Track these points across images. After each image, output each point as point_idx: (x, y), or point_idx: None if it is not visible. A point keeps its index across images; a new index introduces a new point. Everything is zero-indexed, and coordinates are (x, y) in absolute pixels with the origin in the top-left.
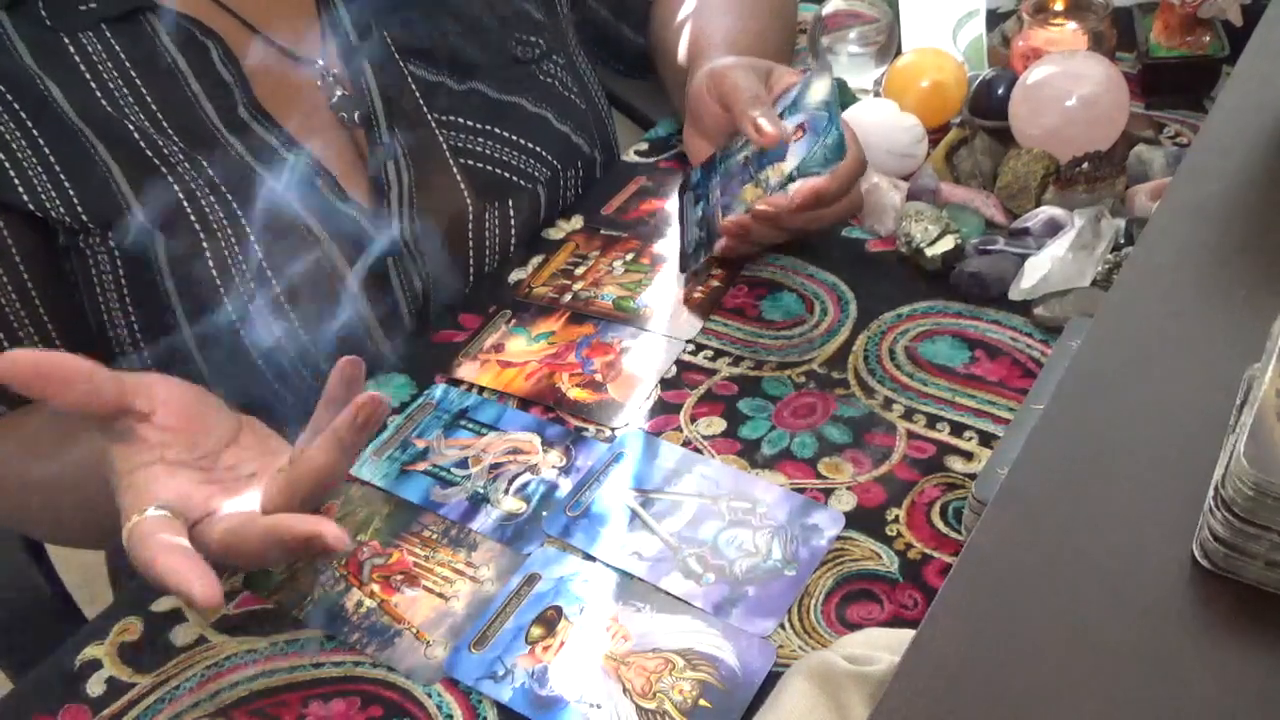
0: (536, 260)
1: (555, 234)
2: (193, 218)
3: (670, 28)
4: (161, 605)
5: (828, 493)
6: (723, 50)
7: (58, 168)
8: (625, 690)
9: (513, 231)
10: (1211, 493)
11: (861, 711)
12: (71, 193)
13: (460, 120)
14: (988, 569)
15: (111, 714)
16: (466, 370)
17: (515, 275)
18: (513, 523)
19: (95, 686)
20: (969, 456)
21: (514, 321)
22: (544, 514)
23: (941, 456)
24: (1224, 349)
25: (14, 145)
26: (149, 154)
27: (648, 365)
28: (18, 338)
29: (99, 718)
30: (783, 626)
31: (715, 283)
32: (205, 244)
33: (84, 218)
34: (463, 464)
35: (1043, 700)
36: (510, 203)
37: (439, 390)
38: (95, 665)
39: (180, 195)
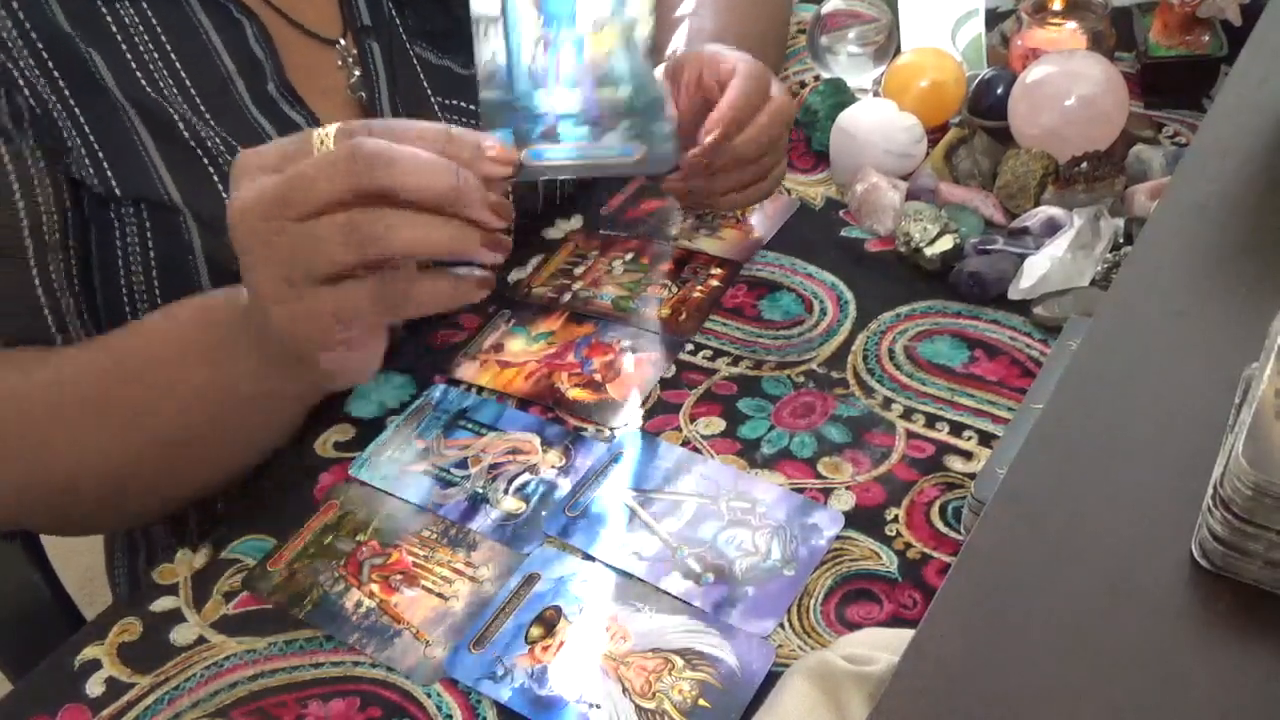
0: (536, 260)
1: (555, 234)
2: (225, 196)
3: (662, 36)
4: (161, 605)
5: (827, 492)
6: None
7: (91, 134)
8: (625, 690)
9: (514, 219)
10: (1210, 492)
11: (861, 711)
12: (104, 159)
13: (464, 104)
14: (987, 569)
15: (111, 714)
16: (466, 370)
17: (515, 275)
18: (512, 523)
19: (95, 687)
20: (968, 456)
21: (513, 321)
22: (543, 514)
23: (941, 456)
24: (1223, 349)
25: (51, 107)
26: (182, 129)
27: (648, 364)
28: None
29: (99, 718)
30: (782, 626)
31: (715, 283)
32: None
33: (116, 189)
34: (462, 464)
35: (1042, 700)
36: (509, 189)
37: (438, 390)
38: (95, 665)
39: (213, 173)
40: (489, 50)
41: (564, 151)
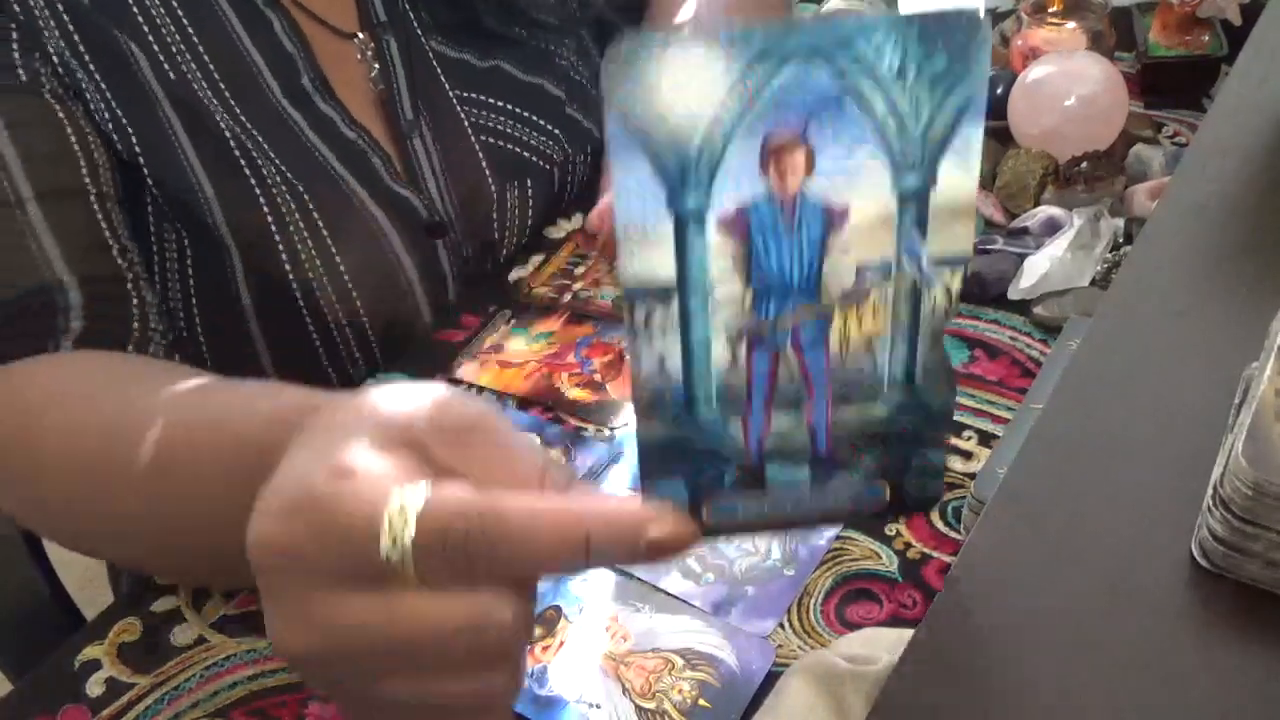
0: (537, 260)
1: (556, 233)
2: (259, 195)
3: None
4: (161, 605)
5: None
6: None
7: (124, 117)
8: (625, 690)
9: (530, 214)
10: (1210, 492)
11: (861, 711)
12: (136, 145)
13: (482, 98)
14: (987, 568)
15: (111, 714)
16: (466, 370)
17: (515, 275)
18: None
19: (95, 687)
20: (968, 456)
21: (514, 321)
22: None
23: None
24: (1223, 348)
25: (85, 88)
26: (219, 122)
27: None
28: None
29: (99, 718)
30: (782, 626)
31: None
32: (272, 224)
33: (148, 178)
34: None
35: (1042, 699)
36: (529, 183)
37: None
38: (95, 665)
39: (244, 168)
40: (652, 354)
41: (769, 504)
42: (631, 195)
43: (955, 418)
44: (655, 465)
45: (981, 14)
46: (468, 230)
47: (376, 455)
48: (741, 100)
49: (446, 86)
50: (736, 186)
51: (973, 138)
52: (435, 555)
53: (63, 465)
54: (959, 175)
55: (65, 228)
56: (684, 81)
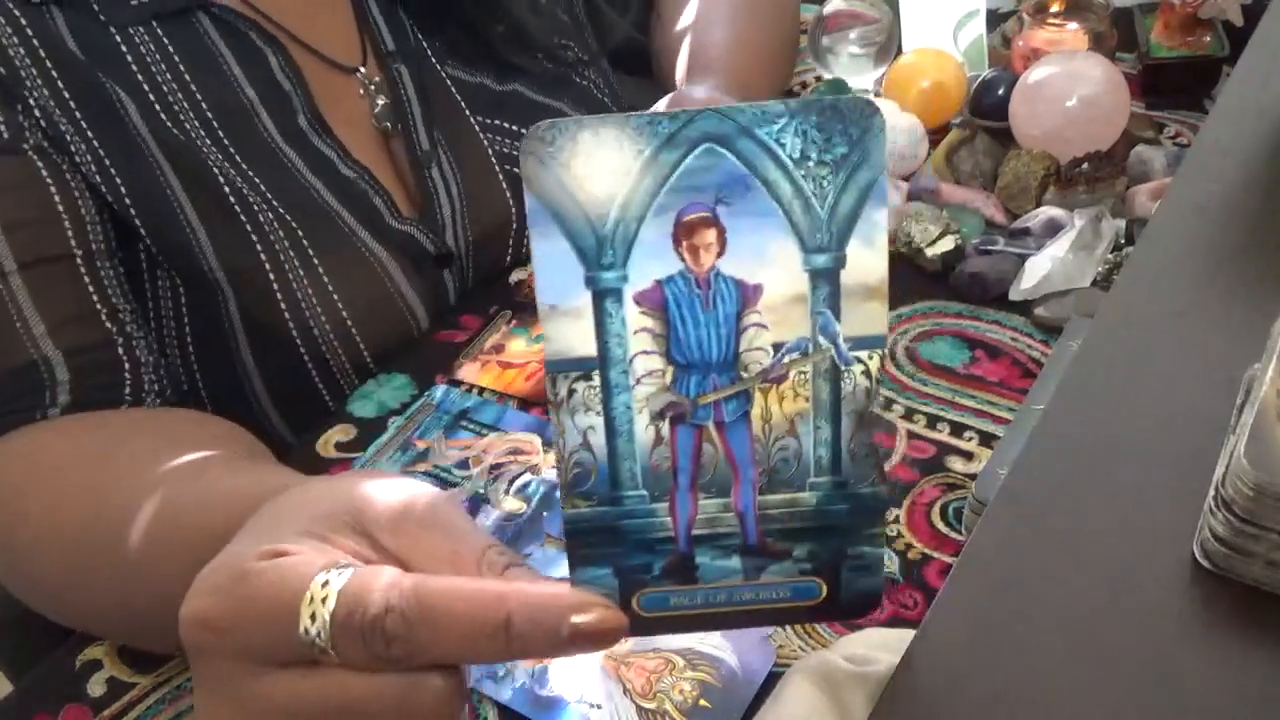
0: None
1: None
2: (255, 240)
3: (668, 50)
4: None
5: None
6: (721, 64)
7: (111, 167)
8: (625, 690)
9: None
10: (1212, 493)
11: (862, 712)
12: (125, 194)
13: (502, 124)
14: (988, 569)
15: (112, 714)
16: (467, 371)
17: (516, 276)
18: (513, 523)
19: (96, 687)
20: (969, 457)
21: (515, 322)
22: (545, 514)
23: (941, 457)
24: (1224, 349)
25: (70, 140)
26: (212, 167)
27: None
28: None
29: (100, 718)
30: (783, 627)
31: None
32: (268, 268)
33: (139, 225)
34: (463, 465)
35: (1042, 700)
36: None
37: (439, 391)
38: (96, 665)
39: (241, 215)
40: (576, 429)
41: (701, 595)
42: (550, 270)
43: (957, 418)
44: (582, 550)
45: (878, 100)
46: (479, 257)
47: (314, 539)
48: (653, 180)
49: (467, 113)
50: (652, 263)
51: (878, 220)
52: (353, 634)
53: (42, 549)
54: (867, 255)
55: (50, 300)
56: (597, 163)
